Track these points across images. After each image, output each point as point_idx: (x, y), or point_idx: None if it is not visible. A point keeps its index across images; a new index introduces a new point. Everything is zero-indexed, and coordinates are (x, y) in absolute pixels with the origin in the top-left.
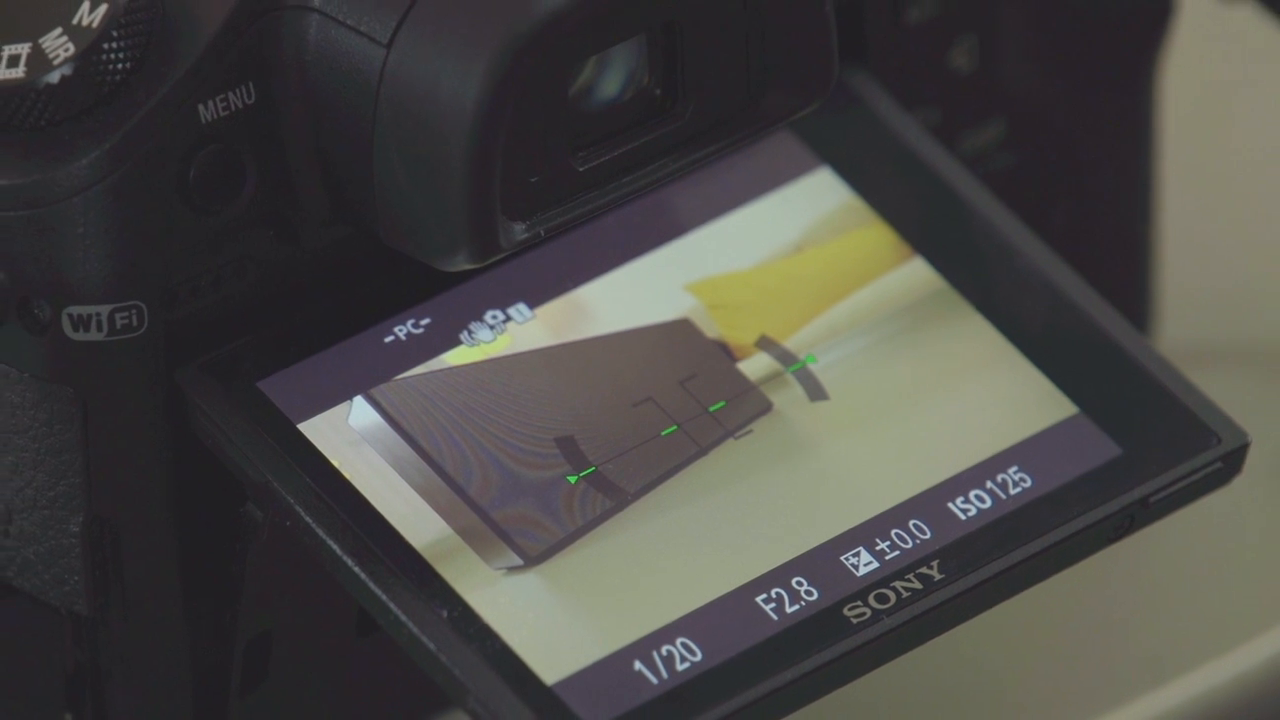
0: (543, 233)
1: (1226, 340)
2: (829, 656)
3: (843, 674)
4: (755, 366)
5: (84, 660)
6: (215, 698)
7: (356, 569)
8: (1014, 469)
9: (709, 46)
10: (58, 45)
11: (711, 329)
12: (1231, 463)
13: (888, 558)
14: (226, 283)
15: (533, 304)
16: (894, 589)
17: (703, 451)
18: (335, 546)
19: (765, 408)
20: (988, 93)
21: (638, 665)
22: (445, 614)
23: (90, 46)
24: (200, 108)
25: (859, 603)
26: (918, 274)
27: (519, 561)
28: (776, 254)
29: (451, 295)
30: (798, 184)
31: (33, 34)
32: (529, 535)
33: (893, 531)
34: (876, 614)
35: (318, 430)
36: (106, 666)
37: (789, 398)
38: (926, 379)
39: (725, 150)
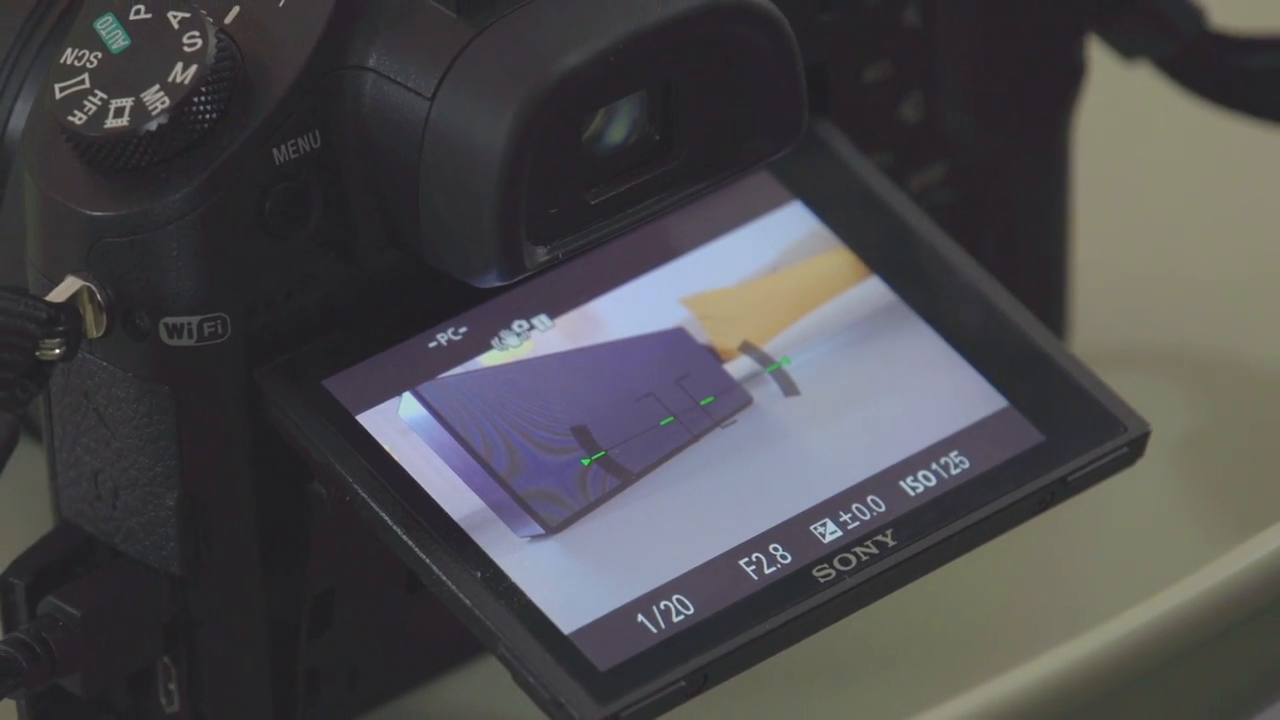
0: (560, 256)
1: (1131, 343)
2: (800, 610)
3: (812, 625)
4: (739, 367)
5: (178, 613)
6: (288, 643)
7: (405, 537)
8: (954, 453)
9: (700, 100)
10: (156, 99)
11: (702, 336)
12: (1136, 448)
13: (850, 527)
14: (296, 297)
15: (553, 315)
16: (855, 553)
17: (695, 438)
18: (387, 518)
19: (747, 402)
20: (932, 140)
21: (640, 617)
22: (479, 575)
23: (183, 100)
24: (274, 151)
25: (826, 565)
26: (874, 290)
27: (541, 530)
28: (756, 273)
29: (485, 308)
30: (773, 215)
31: (135, 90)
32: (549, 508)
33: (853, 505)
34: (840, 574)
35: (372, 421)
36: (197, 618)
37: (767, 393)
38: (881, 377)
39: (713, 187)
